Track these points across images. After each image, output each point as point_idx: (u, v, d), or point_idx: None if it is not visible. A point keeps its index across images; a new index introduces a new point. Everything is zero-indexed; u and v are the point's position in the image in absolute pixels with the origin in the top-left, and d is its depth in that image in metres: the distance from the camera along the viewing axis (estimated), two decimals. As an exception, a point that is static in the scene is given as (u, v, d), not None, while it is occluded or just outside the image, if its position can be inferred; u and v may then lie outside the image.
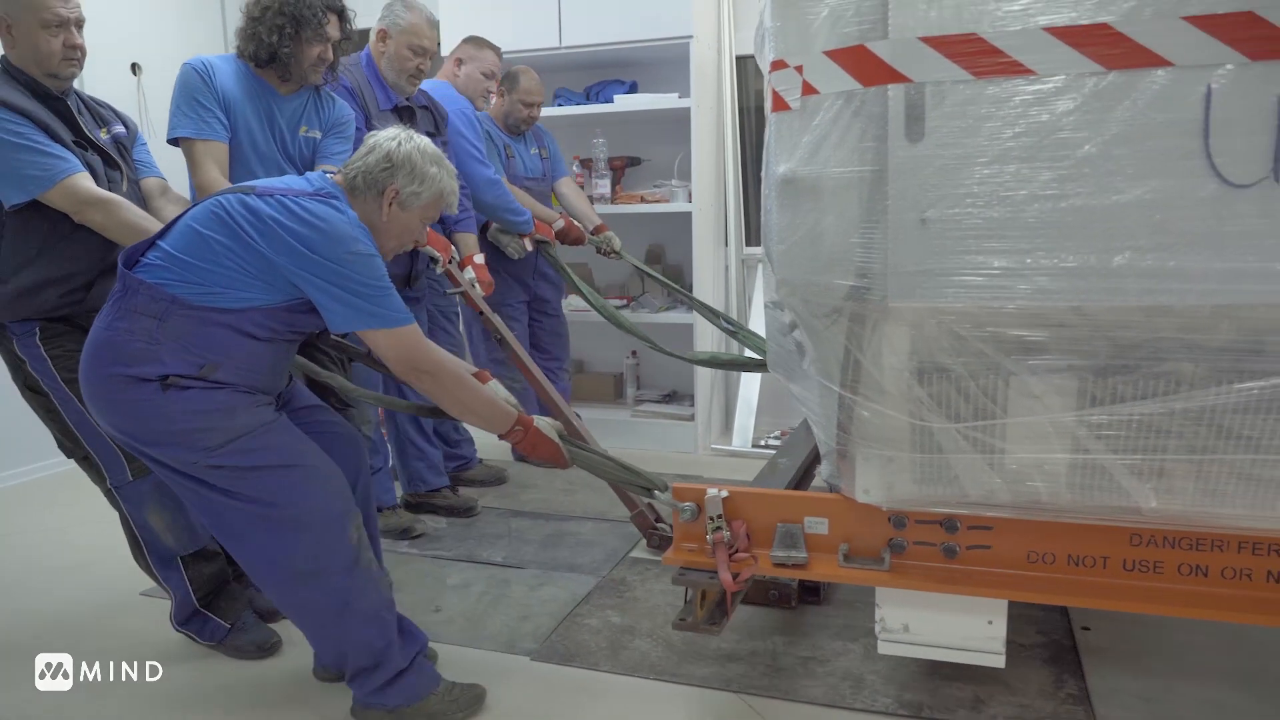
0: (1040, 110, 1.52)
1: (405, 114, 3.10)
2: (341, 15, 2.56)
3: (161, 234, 1.95)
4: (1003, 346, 1.65)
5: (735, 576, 2.05)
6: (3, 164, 2.16)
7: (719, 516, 2.10)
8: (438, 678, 2.17)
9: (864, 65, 1.63)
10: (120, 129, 2.45)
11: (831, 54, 1.67)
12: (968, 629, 2.03)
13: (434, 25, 3.12)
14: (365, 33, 3.09)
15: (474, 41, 3.59)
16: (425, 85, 3.47)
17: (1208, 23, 1.42)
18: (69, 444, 2.37)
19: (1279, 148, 1.42)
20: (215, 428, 1.90)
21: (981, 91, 1.55)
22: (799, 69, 1.74)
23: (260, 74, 2.51)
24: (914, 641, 2.07)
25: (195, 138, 2.42)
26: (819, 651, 2.45)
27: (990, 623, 2.01)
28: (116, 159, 2.37)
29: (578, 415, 4.03)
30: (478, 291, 3.19)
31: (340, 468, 2.13)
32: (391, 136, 2.04)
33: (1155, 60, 1.45)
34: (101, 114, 2.44)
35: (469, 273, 3.24)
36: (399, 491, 3.48)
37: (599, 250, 3.87)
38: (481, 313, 3.08)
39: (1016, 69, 1.52)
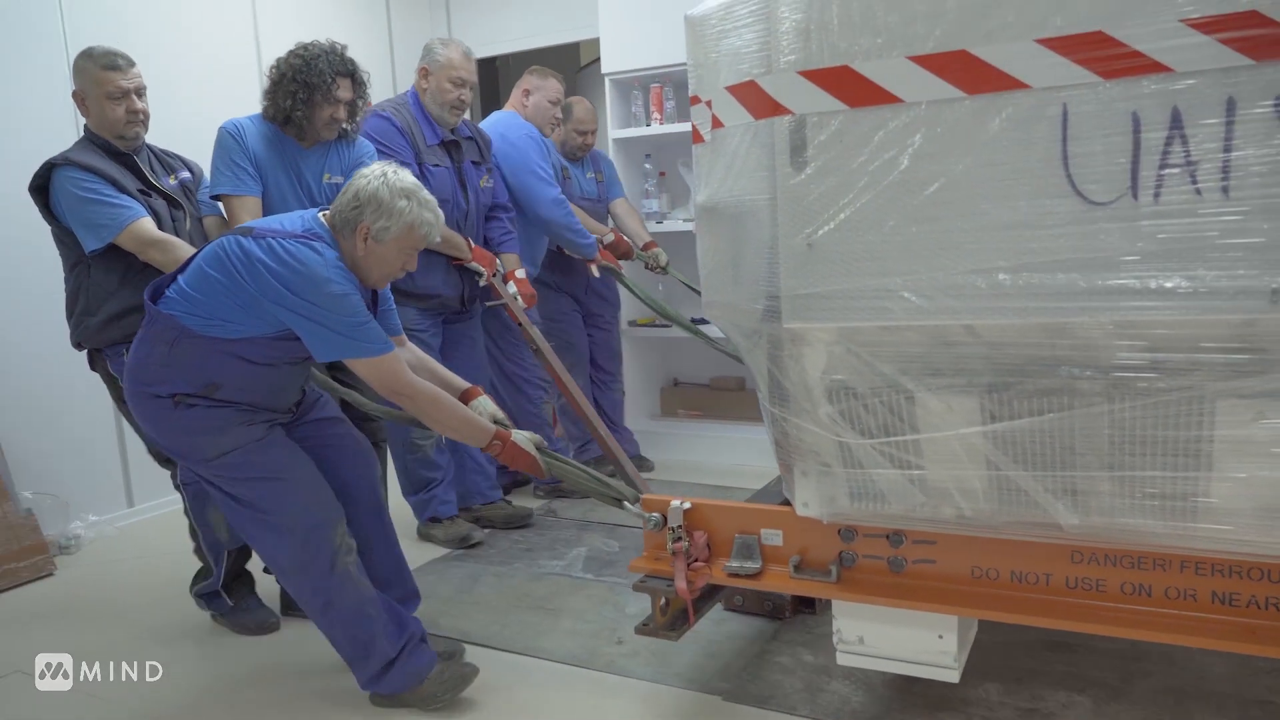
0: (909, 136, 1.57)
1: (452, 146, 3.37)
2: (353, 77, 2.84)
3: (181, 269, 2.25)
4: (899, 365, 1.69)
5: (690, 584, 2.15)
6: (79, 216, 2.57)
7: (679, 527, 2.20)
8: (431, 662, 2.33)
9: (755, 99, 1.72)
10: (186, 174, 2.84)
11: (732, 89, 1.77)
12: (919, 643, 2.04)
13: (470, 58, 3.35)
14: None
15: (538, 72, 3.83)
16: (501, 117, 3.76)
17: (1060, 44, 1.44)
18: (152, 447, 2.75)
19: (1135, 164, 1.42)
20: (209, 443, 2.18)
21: (855, 120, 1.61)
22: (709, 104, 1.84)
23: (284, 132, 2.83)
24: (869, 654, 2.10)
25: (232, 194, 2.76)
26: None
27: (941, 637, 2.02)
28: (180, 201, 2.75)
29: (622, 429, 4.20)
30: (519, 304, 3.39)
31: (349, 476, 2.38)
32: (364, 174, 2.18)
33: (1012, 83, 1.48)
34: (170, 163, 2.84)
35: (511, 287, 3.44)
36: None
37: (647, 266, 4.02)
38: (521, 324, 3.26)
39: (886, 98, 1.58)
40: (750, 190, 1.77)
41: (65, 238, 2.64)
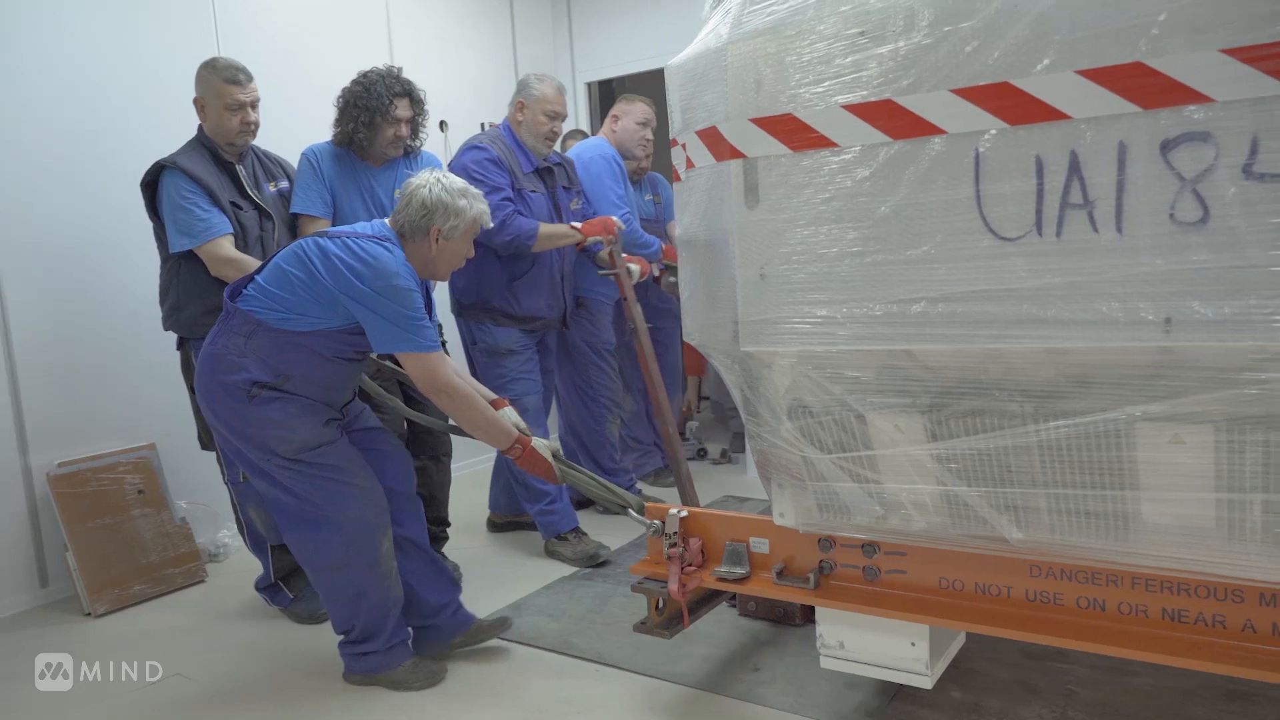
0: (844, 178, 1.71)
1: (545, 173, 3.61)
2: (411, 96, 3.13)
3: (259, 270, 2.48)
4: (847, 387, 1.83)
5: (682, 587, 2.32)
6: (173, 219, 2.90)
7: (675, 534, 2.37)
8: (405, 655, 2.59)
9: (716, 143, 1.89)
10: (285, 184, 3.17)
11: (700, 133, 1.94)
12: (893, 649, 2.15)
13: (562, 93, 3.59)
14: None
15: (626, 98, 4.06)
16: (588, 143, 4.00)
17: (971, 93, 1.56)
18: (205, 438, 3.08)
19: (1040, 203, 1.53)
20: (282, 438, 2.40)
21: (798, 163, 1.76)
22: (684, 146, 2.02)
23: (354, 153, 3.14)
24: (848, 658, 2.22)
25: (304, 214, 3.08)
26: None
27: (913, 644, 2.12)
28: (273, 212, 3.07)
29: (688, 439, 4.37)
30: (632, 277, 3.49)
31: (391, 480, 2.64)
32: (422, 184, 2.44)
33: (931, 129, 1.61)
34: (272, 169, 3.17)
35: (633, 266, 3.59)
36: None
37: None
38: (626, 298, 3.31)
39: (824, 143, 1.72)
40: (717, 225, 1.94)
41: (162, 234, 2.97)
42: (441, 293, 3.83)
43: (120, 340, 3.60)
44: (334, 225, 3.08)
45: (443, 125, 4.92)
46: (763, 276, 1.84)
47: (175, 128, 3.19)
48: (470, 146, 3.48)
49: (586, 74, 5.88)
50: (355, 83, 3.11)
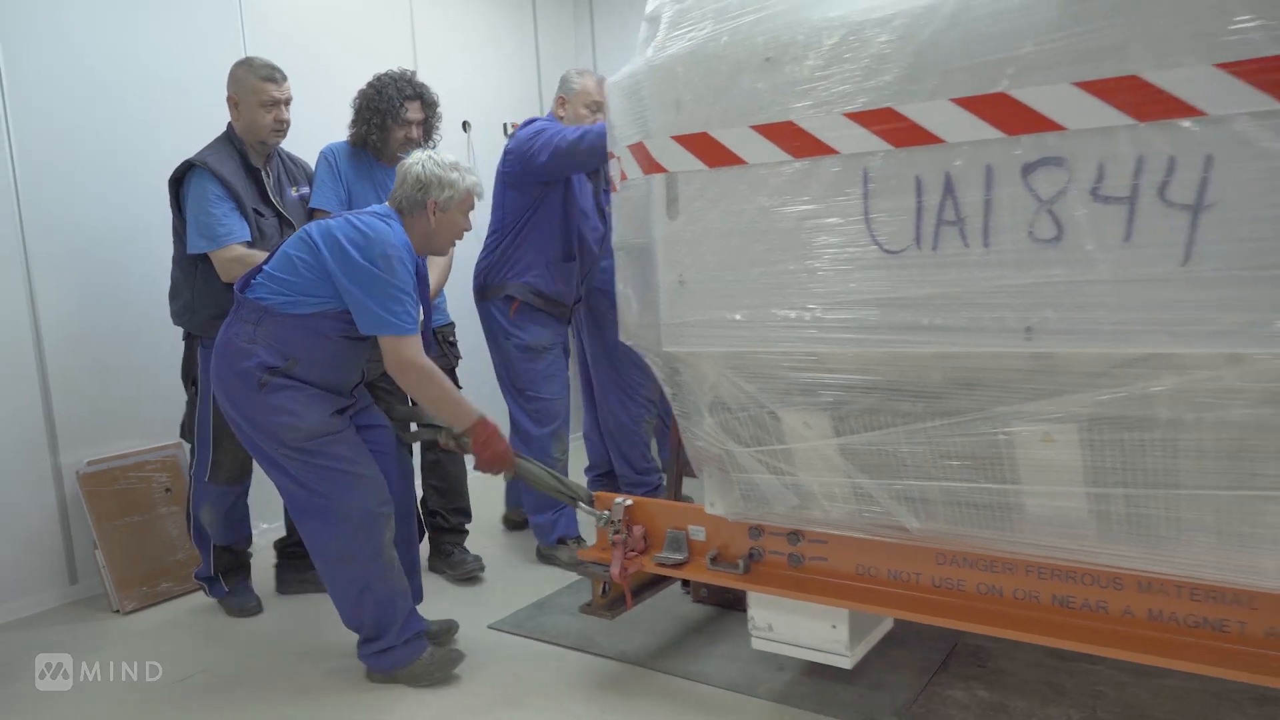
0: (753, 193, 1.85)
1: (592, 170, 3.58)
2: (422, 99, 3.24)
3: (267, 260, 2.56)
4: (758, 385, 1.97)
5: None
6: (194, 219, 2.98)
7: (619, 521, 2.52)
8: (423, 647, 2.61)
9: (643, 158, 2.03)
10: (306, 189, 3.27)
11: (630, 148, 2.09)
12: (816, 632, 2.29)
13: (603, 86, 3.53)
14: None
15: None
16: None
17: (860, 117, 1.70)
18: (187, 430, 3.22)
19: (919, 219, 1.66)
20: (294, 425, 2.43)
21: (714, 178, 1.90)
22: (618, 159, 2.16)
23: (368, 152, 3.27)
24: (777, 640, 2.37)
25: (320, 209, 3.19)
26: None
27: (834, 627, 2.27)
28: (293, 219, 3.16)
29: None
30: None
31: (390, 476, 2.68)
32: (414, 161, 2.54)
33: (826, 150, 1.74)
34: (295, 174, 3.27)
35: None
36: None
37: None
38: None
39: (735, 160, 1.87)
40: (644, 233, 2.09)
41: (182, 230, 3.04)
42: (453, 287, 3.72)
43: (148, 341, 3.63)
44: None
45: (465, 126, 5.01)
46: (682, 283, 1.98)
47: (203, 130, 3.21)
48: (526, 121, 3.52)
49: (609, 74, 5.92)
50: (369, 85, 3.21)
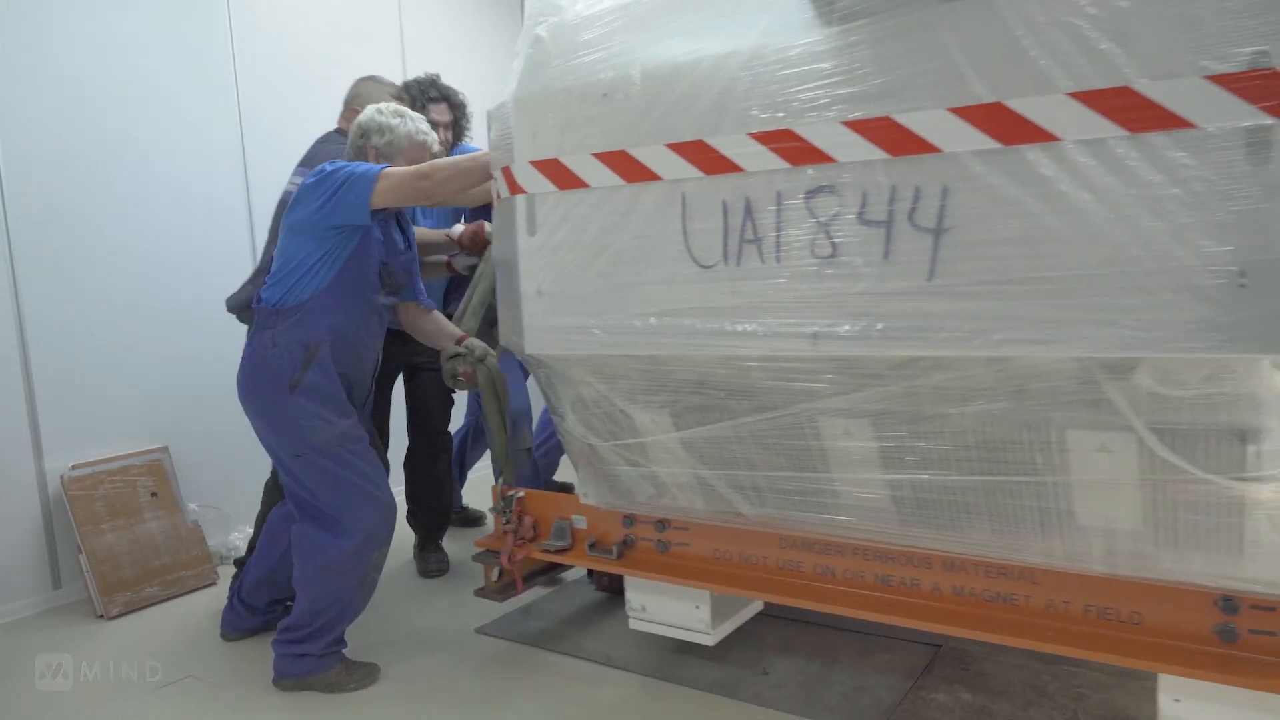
0: (594, 213, 2.07)
1: None
2: (449, 100, 3.33)
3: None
4: (608, 384, 2.19)
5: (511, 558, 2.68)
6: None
7: (509, 511, 2.73)
8: (338, 660, 2.62)
9: (510, 180, 2.25)
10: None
11: (502, 171, 2.31)
12: (682, 612, 2.51)
13: None
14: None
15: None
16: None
17: (679, 148, 1.92)
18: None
19: (726, 238, 1.88)
20: (323, 428, 2.48)
21: (563, 200, 2.13)
22: (492, 178, 2.38)
23: None
24: (651, 620, 2.58)
25: None
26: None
27: (697, 608, 2.48)
28: None
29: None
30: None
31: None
32: (363, 113, 2.62)
33: (651, 175, 1.97)
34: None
35: None
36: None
37: None
38: None
39: (579, 183, 2.09)
40: (513, 248, 2.30)
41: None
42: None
43: (134, 345, 3.61)
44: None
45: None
46: (540, 292, 2.20)
47: (191, 135, 3.24)
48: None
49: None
50: (401, 90, 3.23)
